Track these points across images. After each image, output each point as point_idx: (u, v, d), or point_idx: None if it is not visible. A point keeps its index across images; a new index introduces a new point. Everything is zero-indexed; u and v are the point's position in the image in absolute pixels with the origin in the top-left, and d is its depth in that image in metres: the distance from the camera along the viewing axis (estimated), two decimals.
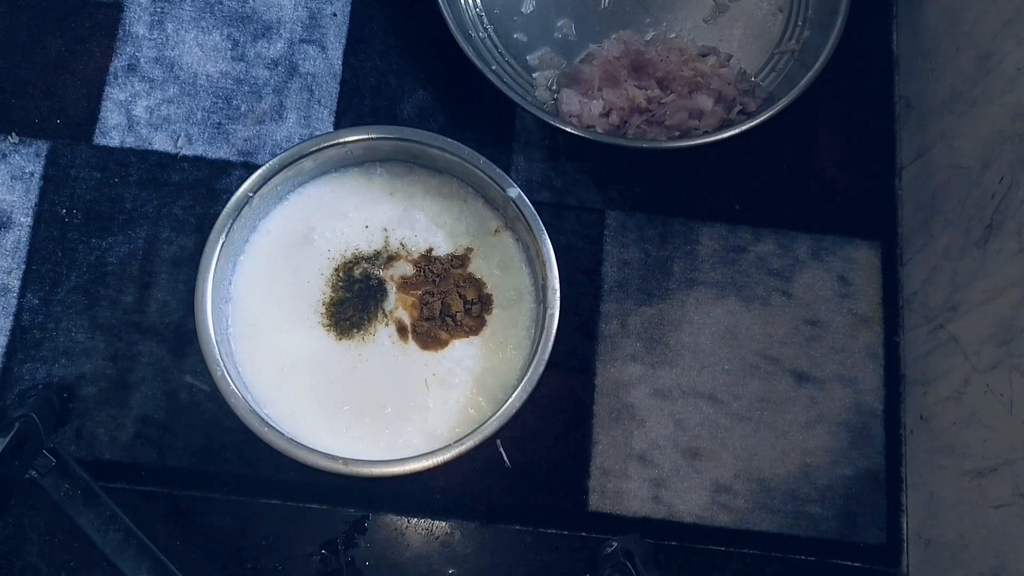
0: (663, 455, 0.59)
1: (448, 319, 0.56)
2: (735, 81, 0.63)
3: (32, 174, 0.62)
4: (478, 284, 0.57)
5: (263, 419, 0.51)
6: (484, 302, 0.57)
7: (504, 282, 0.57)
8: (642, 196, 0.64)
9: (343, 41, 0.66)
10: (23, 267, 0.60)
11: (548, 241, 0.55)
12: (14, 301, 0.60)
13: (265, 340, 0.55)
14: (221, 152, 0.64)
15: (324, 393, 0.54)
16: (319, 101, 0.65)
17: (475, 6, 0.67)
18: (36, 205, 0.61)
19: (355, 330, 0.56)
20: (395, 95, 0.65)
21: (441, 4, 0.61)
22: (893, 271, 0.64)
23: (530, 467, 0.58)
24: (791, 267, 0.63)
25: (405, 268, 0.57)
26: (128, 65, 0.64)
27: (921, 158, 0.64)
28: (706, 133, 0.60)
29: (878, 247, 0.64)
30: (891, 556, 0.58)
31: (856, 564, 0.58)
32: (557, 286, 0.54)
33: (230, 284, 0.56)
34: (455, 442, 0.51)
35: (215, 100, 0.64)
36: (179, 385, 0.58)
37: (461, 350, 0.56)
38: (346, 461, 0.51)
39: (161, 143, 0.63)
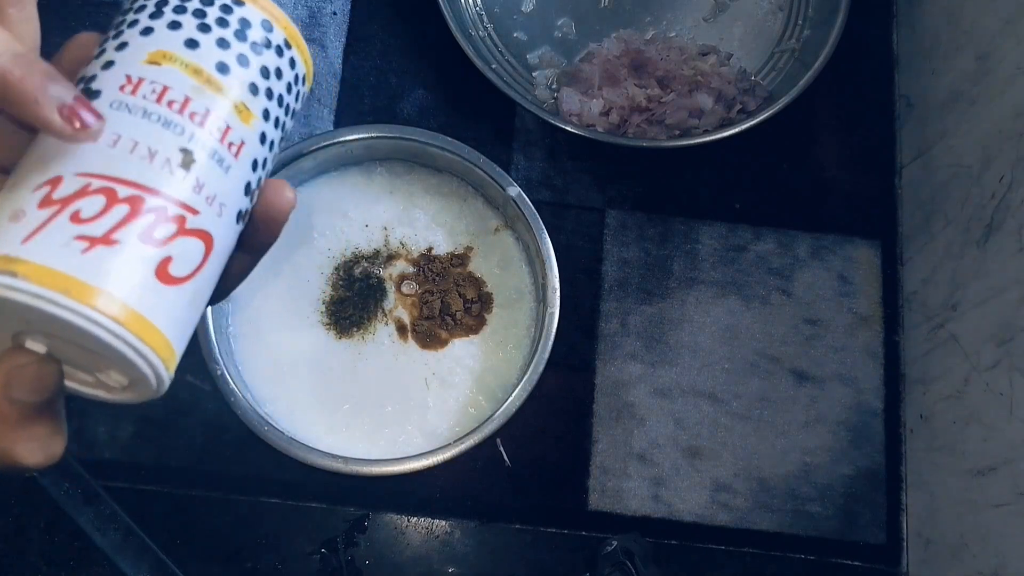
0: (663, 454, 0.59)
1: (448, 318, 0.56)
2: (735, 80, 0.63)
3: None
4: (478, 283, 0.57)
5: (263, 418, 0.51)
6: (484, 301, 0.57)
7: (504, 281, 0.57)
8: (642, 195, 0.64)
9: (343, 40, 0.66)
10: None
11: (548, 240, 0.55)
12: None
13: (265, 339, 0.55)
14: None
15: (324, 392, 0.55)
16: (319, 100, 0.65)
17: (475, 5, 0.67)
18: None
19: (355, 329, 0.56)
20: (395, 94, 0.65)
21: (441, 3, 0.61)
22: (893, 270, 0.64)
23: (530, 466, 0.58)
24: (791, 266, 0.63)
25: (405, 267, 0.57)
26: None
27: (921, 157, 0.63)
28: (706, 132, 0.60)
29: (878, 246, 0.64)
30: (891, 555, 0.58)
31: (856, 563, 0.58)
32: (557, 285, 0.54)
33: None
34: (455, 441, 0.51)
35: None
36: (179, 384, 0.58)
37: (461, 349, 0.56)
38: (346, 460, 0.51)
39: None
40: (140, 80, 0.25)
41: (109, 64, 0.25)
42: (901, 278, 0.63)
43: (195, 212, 0.24)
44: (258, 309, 0.56)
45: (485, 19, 0.66)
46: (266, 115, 0.27)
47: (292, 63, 0.28)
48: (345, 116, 0.65)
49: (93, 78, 0.25)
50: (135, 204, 0.23)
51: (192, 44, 0.25)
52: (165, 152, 0.24)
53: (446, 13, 0.60)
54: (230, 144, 0.25)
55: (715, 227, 0.64)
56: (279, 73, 0.27)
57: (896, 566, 0.58)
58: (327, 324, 0.56)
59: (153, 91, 0.24)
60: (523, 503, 0.58)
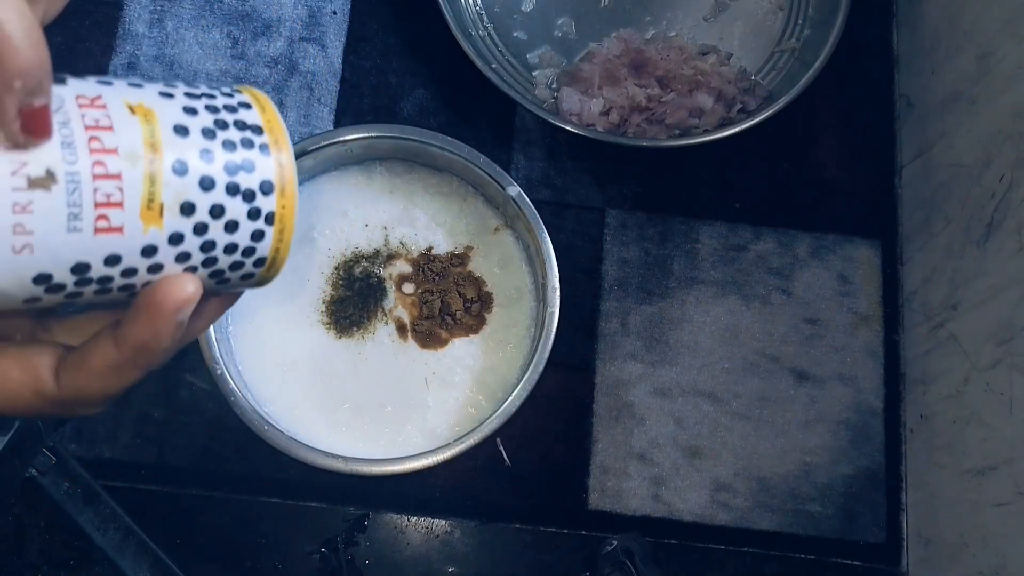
0: (663, 453, 0.59)
1: (448, 318, 0.56)
2: (735, 79, 0.63)
3: None
4: (478, 283, 0.57)
5: (263, 417, 0.51)
6: (484, 301, 0.57)
7: (504, 280, 0.57)
8: (642, 195, 0.64)
9: (343, 39, 0.66)
10: None
11: (548, 239, 0.55)
12: None
13: (265, 338, 0.55)
14: None
15: (324, 391, 0.54)
16: (319, 99, 0.65)
17: (475, 4, 0.67)
18: None
19: (355, 328, 0.56)
20: (395, 93, 0.65)
21: (441, 2, 0.61)
22: (893, 270, 0.64)
23: (530, 466, 0.58)
24: (791, 266, 0.63)
25: (405, 266, 0.57)
26: (128, 63, 0.64)
27: (921, 157, 0.63)
28: (706, 132, 0.60)
29: (878, 246, 0.64)
30: (891, 555, 0.58)
31: (856, 563, 0.58)
32: (557, 284, 0.54)
33: None
34: (455, 441, 0.51)
35: None
36: (179, 383, 0.58)
37: (461, 349, 0.56)
38: (346, 459, 0.51)
39: None
40: (102, 106, 0.22)
41: (103, 81, 0.23)
42: (901, 278, 0.63)
43: None
44: (258, 309, 0.56)
45: (485, 19, 0.66)
46: (175, 240, 0.23)
47: (259, 235, 0.25)
48: (345, 115, 0.65)
49: (69, 76, 0.23)
50: None
51: (181, 131, 0.23)
52: (33, 156, 0.21)
53: (446, 13, 0.60)
54: (101, 216, 0.21)
55: (715, 227, 0.64)
56: (233, 226, 0.24)
57: (896, 566, 0.58)
58: (327, 324, 0.56)
59: (96, 121, 0.22)
60: (523, 503, 0.58)
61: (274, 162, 0.25)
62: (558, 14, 0.67)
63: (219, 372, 0.51)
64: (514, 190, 0.55)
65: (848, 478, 0.59)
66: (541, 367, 0.52)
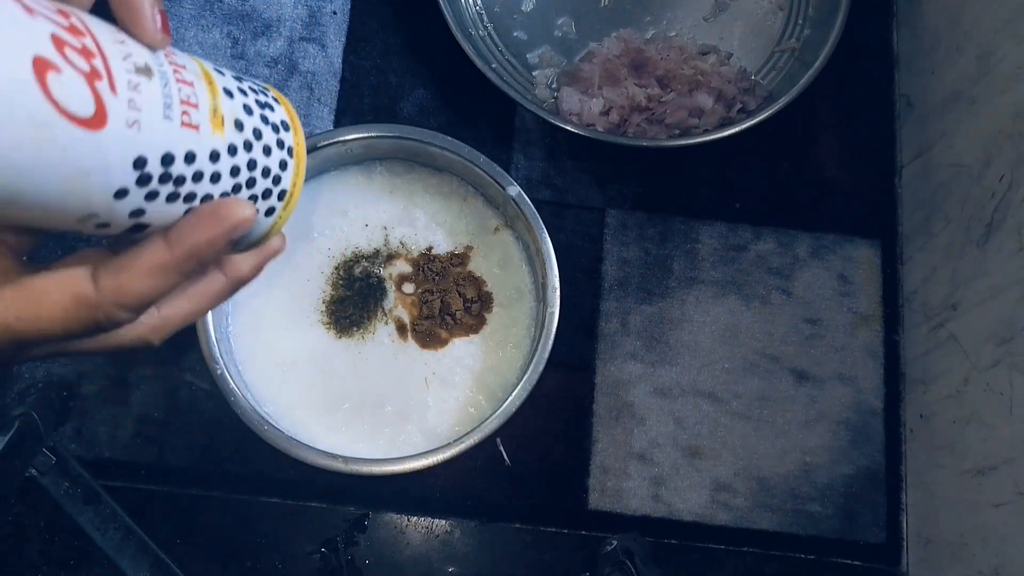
0: (663, 453, 0.59)
1: (448, 317, 0.56)
2: (735, 79, 0.63)
3: None
4: (478, 282, 0.57)
5: (263, 417, 0.51)
6: (484, 300, 0.57)
7: (504, 280, 0.57)
8: (642, 194, 0.64)
9: (343, 39, 0.66)
10: None
11: (548, 239, 0.55)
12: None
13: (265, 338, 0.55)
14: None
15: (324, 391, 0.54)
16: (319, 99, 0.65)
17: (475, 4, 0.67)
18: None
19: (355, 328, 0.56)
20: (395, 93, 0.65)
21: (441, 2, 0.61)
22: (893, 270, 0.64)
23: (530, 465, 0.58)
24: (791, 266, 0.63)
25: (405, 266, 0.57)
26: None
27: (921, 157, 0.63)
28: (706, 131, 0.60)
29: (878, 246, 0.64)
30: (891, 554, 0.58)
31: (856, 562, 0.58)
32: (557, 284, 0.54)
33: None
34: (455, 440, 0.51)
35: None
36: (179, 383, 0.58)
37: (461, 349, 0.56)
38: (346, 459, 0.51)
39: None
40: (171, 52, 0.27)
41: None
42: (901, 278, 0.64)
43: (113, 89, 0.23)
44: (258, 309, 0.56)
45: (485, 19, 0.66)
46: (232, 151, 0.27)
47: (284, 164, 0.30)
48: (345, 115, 0.65)
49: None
50: (75, 31, 0.22)
51: (219, 73, 0.28)
52: (135, 50, 0.25)
53: (446, 13, 0.60)
54: (185, 112, 0.25)
55: (715, 227, 0.64)
56: (268, 151, 0.29)
57: (896, 565, 0.58)
58: (327, 324, 0.56)
59: (169, 54, 0.26)
60: (523, 503, 0.58)
61: (284, 109, 0.30)
62: (558, 14, 0.67)
63: (219, 372, 0.51)
64: (514, 190, 0.55)
65: (848, 478, 0.59)
66: (541, 367, 0.52)
